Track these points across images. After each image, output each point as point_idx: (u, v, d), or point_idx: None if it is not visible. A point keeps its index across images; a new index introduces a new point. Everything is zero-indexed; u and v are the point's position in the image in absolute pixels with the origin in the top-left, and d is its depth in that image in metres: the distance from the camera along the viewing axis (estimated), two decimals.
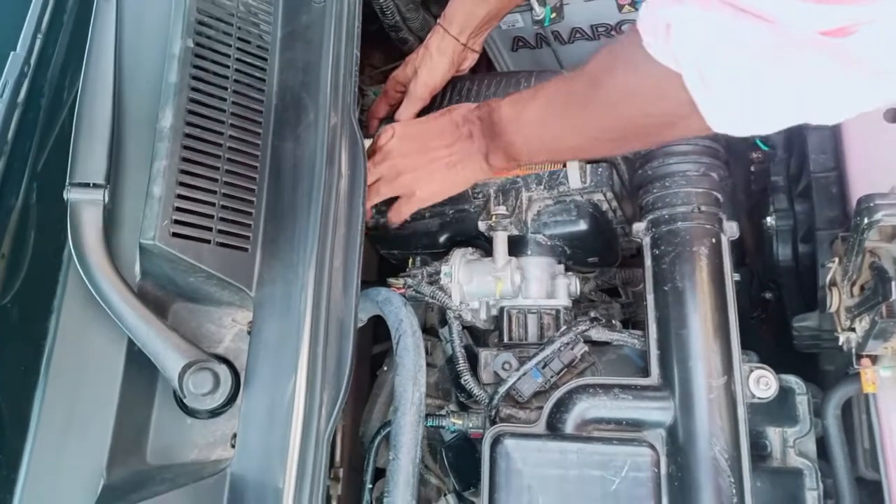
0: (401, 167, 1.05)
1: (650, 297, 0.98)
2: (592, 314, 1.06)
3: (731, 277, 0.97)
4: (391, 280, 1.14)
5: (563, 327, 1.05)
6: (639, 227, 1.03)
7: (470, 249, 1.14)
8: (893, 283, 0.85)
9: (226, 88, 0.89)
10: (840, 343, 0.97)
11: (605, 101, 0.83)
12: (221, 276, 0.83)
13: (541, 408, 0.96)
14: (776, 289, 1.37)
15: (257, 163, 0.89)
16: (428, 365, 1.13)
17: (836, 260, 0.97)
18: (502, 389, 0.99)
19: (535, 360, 1.00)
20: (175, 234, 0.80)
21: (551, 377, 1.00)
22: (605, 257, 1.21)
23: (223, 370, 0.81)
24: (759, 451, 0.99)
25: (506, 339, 1.09)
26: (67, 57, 0.99)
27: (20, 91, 0.91)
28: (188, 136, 0.84)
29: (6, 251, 0.87)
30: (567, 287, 1.11)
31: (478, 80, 1.24)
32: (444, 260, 1.12)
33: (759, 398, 0.93)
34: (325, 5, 0.98)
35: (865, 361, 0.94)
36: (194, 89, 0.86)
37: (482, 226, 1.12)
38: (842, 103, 0.64)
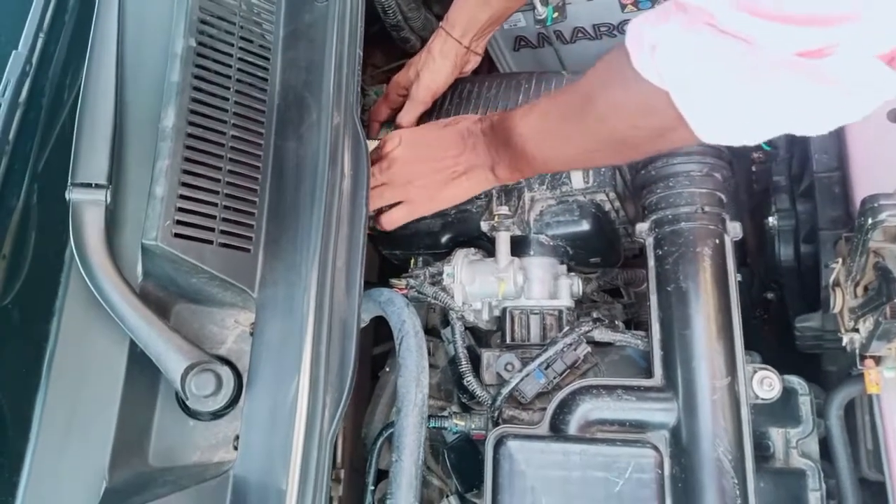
0: (407, 175, 1.06)
1: (653, 298, 0.98)
2: (595, 315, 1.05)
3: (734, 278, 0.97)
4: (393, 280, 1.13)
5: (566, 328, 1.04)
6: (642, 227, 1.03)
7: (472, 250, 1.14)
8: None
9: (228, 88, 0.89)
10: (844, 344, 0.96)
11: (598, 116, 0.86)
12: (224, 277, 0.82)
13: (544, 409, 0.96)
14: (778, 289, 1.37)
15: (260, 163, 0.89)
16: (430, 366, 1.12)
17: (840, 260, 0.97)
18: (505, 390, 0.99)
19: (537, 361, 0.99)
20: (177, 235, 0.79)
21: (554, 378, 1.00)
22: (607, 258, 1.21)
23: (226, 372, 0.80)
24: (762, 452, 0.99)
25: (508, 340, 1.09)
26: (69, 56, 0.98)
27: (22, 90, 0.90)
28: (190, 135, 0.83)
29: (7, 252, 0.86)
30: (570, 287, 1.10)
31: (479, 81, 1.24)
32: (446, 260, 1.12)
33: (762, 399, 0.93)
34: (328, 4, 0.97)
35: (869, 362, 0.94)
36: (196, 89, 0.86)
37: (485, 226, 1.11)
38: (822, 118, 0.66)
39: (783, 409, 1.00)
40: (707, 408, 0.90)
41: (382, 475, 1.11)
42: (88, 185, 0.81)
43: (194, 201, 0.82)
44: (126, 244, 0.82)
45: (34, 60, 0.92)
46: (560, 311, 1.09)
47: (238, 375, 0.83)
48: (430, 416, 1.06)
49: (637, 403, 0.93)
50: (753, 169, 1.49)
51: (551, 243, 1.12)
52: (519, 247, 1.11)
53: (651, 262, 1.00)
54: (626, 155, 0.98)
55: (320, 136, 0.90)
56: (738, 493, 0.87)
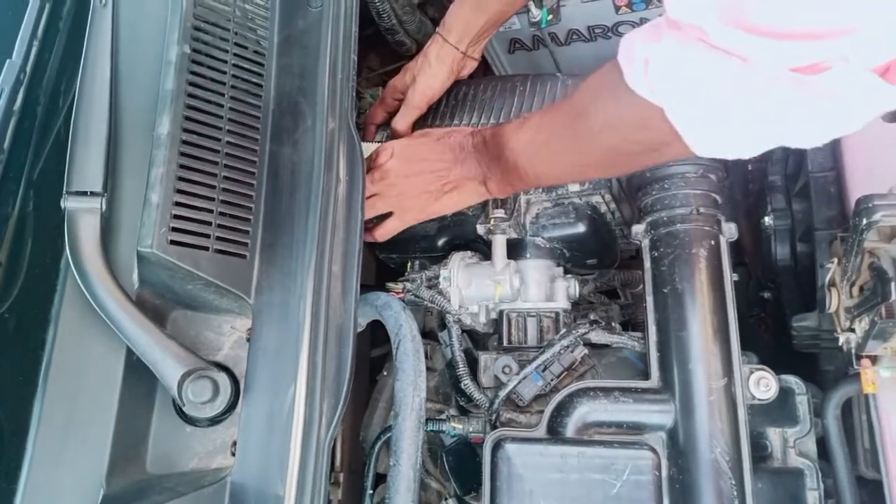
0: (399, 188, 1.06)
1: (649, 300, 0.98)
2: (592, 317, 1.06)
3: (730, 279, 0.97)
4: (390, 284, 1.14)
5: (563, 330, 1.05)
6: (637, 229, 1.03)
7: (469, 253, 1.14)
8: (893, 283, 0.85)
9: (223, 94, 0.89)
10: (840, 343, 0.97)
11: (591, 130, 0.86)
12: (220, 284, 0.82)
13: (541, 411, 0.96)
14: (774, 288, 1.37)
15: (255, 169, 0.89)
16: (428, 369, 1.13)
17: (835, 260, 0.97)
18: (502, 393, 0.99)
19: (534, 364, 1.00)
20: (173, 242, 0.80)
21: (551, 380, 1.00)
22: (603, 259, 1.21)
23: (222, 378, 0.80)
24: (760, 452, 0.99)
25: (505, 343, 1.09)
26: (63, 64, 0.98)
27: (16, 99, 0.90)
28: (185, 142, 0.84)
29: (3, 260, 0.87)
30: (566, 289, 1.11)
31: (474, 84, 1.24)
32: (442, 264, 1.12)
33: (759, 399, 0.94)
34: (322, 10, 0.97)
35: (865, 362, 0.94)
36: (191, 95, 0.86)
37: (481, 229, 1.12)
38: (817, 131, 0.66)
39: (781, 409, 1.00)
40: (704, 409, 0.90)
41: (381, 479, 1.11)
42: (84, 194, 0.81)
43: (190, 208, 0.82)
44: (122, 252, 0.82)
45: (28, 69, 0.92)
46: (557, 314, 1.09)
47: (235, 381, 0.83)
48: (428, 420, 1.06)
49: (634, 405, 0.93)
50: (749, 168, 1.49)
51: (547, 246, 1.12)
52: (515, 249, 1.11)
53: (647, 264, 1.00)
54: (620, 169, 0.99)
55: (315, 142, 0.90)
56: (735, 493, 0.87)
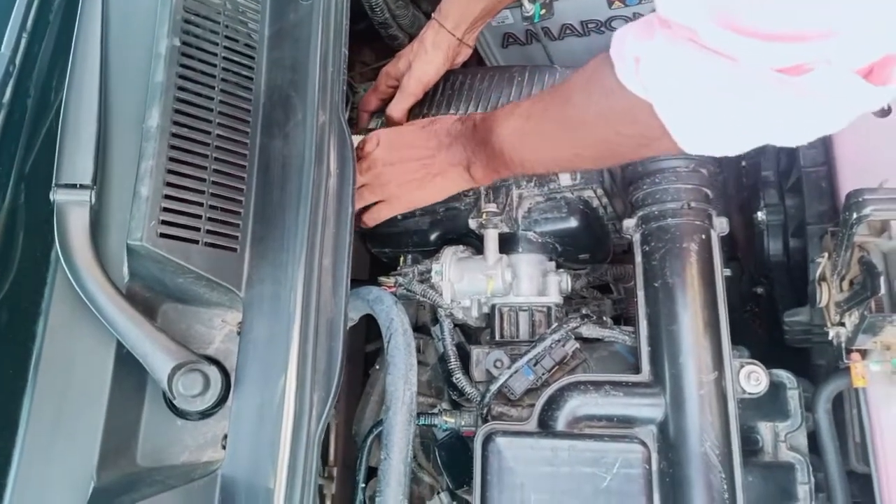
0: (385, 176, 1.07)
1: (640, 294, 0.98)
2: (583, 311, 1.06)
3: (721, 273, 0.97)
4: (382, 279, 1.14)
5: (555, 324, 1.05)
6: (629, 223, 1.03)
7: (461, 247, 1.14)
8: (882, 277, 0.85)
9: (213, 87, 0.89)
10: (830, 338, 0.97)
11: (580, 121, 0.87)
12: (210, 277, 0.82)
13: (532, 405, 0.96)
14: (767, 283, 1.37)
15: (245, 162, 0.89)
16: (420, 363, 1.13)
17: (826, 255, 0.98)
18: (494, 387, 0.99)
19: (526, 358, 1.00)
20: (163, 235, 0.79)
21: (543, 374, 1.00)
22: (596, 254, 1.21)
23: (213, 371, 0.80)
24: (751, 446, 0.99)
25: (497, 337, 1.09)
26: (54, 57, 0.98)
27: (5, 91, 0.90)
28: (175, 135, 0.83)
29: None
30: (558, 284, 1.11)
31: (471, 73, 1.24)
32: (434, 258, 1.12)
33: (749, 393, 0.94)
34: (313, 3, 0.97)
35: (855, 356, 0.94)
36: (181, 88, 0.86)
37: (473, 223, 1.12)
38: (802, 130, 0.68)
39: (772, 404, 1.01)
40: (694, 403, 0.90)
41: (373, 472, 1.11)
42: (73, 186, 0.81)
43: (180, 201, 0.82)
44: (112, 245, 0.82)
45: (17, 61, 0.91)
46: (549, 308, 1.09)
47: (226, 375, 0.83)
48: (420, 414, 1.06)
49: (625, 399, 0.93)
50: (743, 164, 1.49)
51: (540, 240, 1.12)
52: (507, 244, 1.11)
53: (638, 259, 1.01)
54: (607, 161, 0.99)
55: (306, 135, 0.90)
56: (725, 487, 0.87)
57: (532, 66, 1.22)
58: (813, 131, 0.68)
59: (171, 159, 0.82)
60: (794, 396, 1.00)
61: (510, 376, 0.99)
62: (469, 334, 1.19)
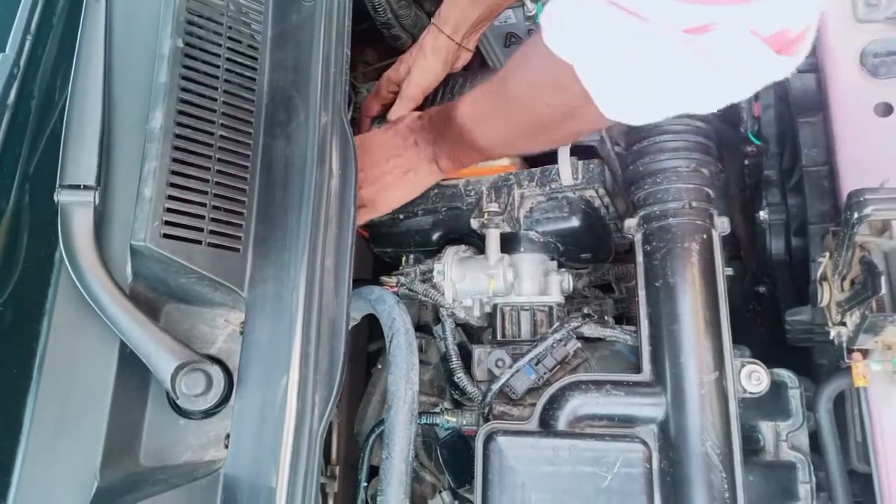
0: (359, 181, 1.07)
1: (642, 294, 0.98)
2: (585, 310, 1.06)
3: (722, 273, 0.97)
4: (384, 278, 1.14)
5: (556, 324, 1.05)
6: (630, 223, 1.03)
7: (463, 247, 1.14)
8: (883, 277, 0.85)
9: (216, 88, 0.89)
10: (831, 337, 0.97)
11: (516, 96, 0.89)
12: (213, 277, 0.83)
13: (534, 405, 0.97)
14: (770, 283, 1.37)
15: (248, 163, 0.89)
16: (422, 362, 1.13)
17: (827, 255, 0.97)
18: (495, 387, 1.00)
19: (527, 357, 1.00)
20: (166, 236, 0.80)
21: (544, 374, 1.00)
22: (598, 253, 1.21)
23: (216, 371, 0.81)
24: (753, 445, 0.99)
25: (499, 337, 1.10)
26: (58, 58, 0.98)
27: (10, 93, 0.90)
28: (178, 136, 0.84)
29: None
30: (560, 283, 1.11)
31: (471, 76, 1.24)
32: (436, 258, 1.12)
33: (750, 393, 0.94)
34: (315, 4, 0.98)
35: (856, 355, 0.94)
36: (184, 89, 0.86)
37: (474, 223, 1.12)
38: (709, 94, 0.69)
39: (773, 403, 1.01)
40: (695, 402, 0.90)
41: (375, 471, 1.11)
42: (77, 187, 0.82)
43: (183, 202, 0.82)
44: (115, 245, 0.83)
45: (22, 63, 0.92)
46: (550, 307, 1.09)
47: (228, 374, 0.83)
48: (422, 413, 1.06)
49: (626, 398, 0.93)
50: (746, 163, 1.49)
51: (541, 240, 1.12)
52: (509, 243, 1.12)
53: (639, 258, 1.01)
54: (546, 136, 0.98)
55: (308, 136, 0.91)
56: (725, 486, 0.87)
57: None
58: (719, 95, 0.69)
59: (175, 160, 0.83)
60: (795, 396, 1.00)
61: (512, 375, 1.00)
62: (471, 334, 1.19)
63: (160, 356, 0.79)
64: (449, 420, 1.05)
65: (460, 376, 1.05)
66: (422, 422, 1.06)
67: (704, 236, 0.98)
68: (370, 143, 1.10)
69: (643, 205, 1.03)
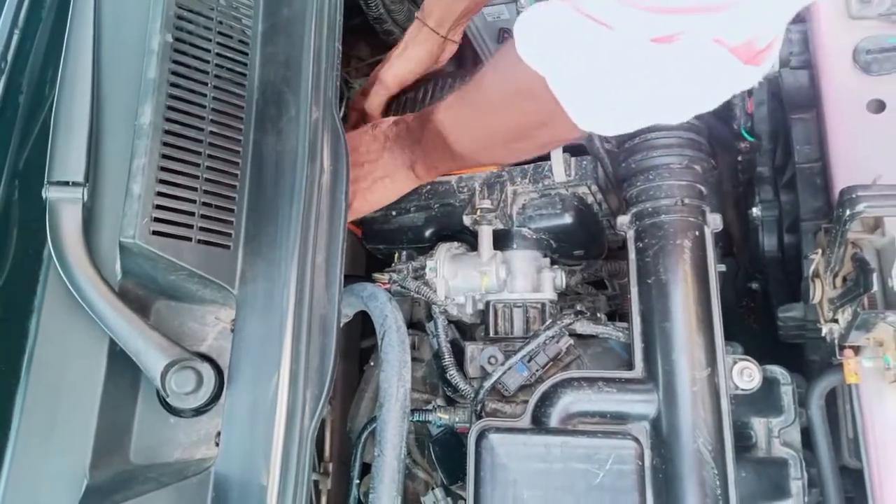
0: None
1: (634, 291, 0.98)
2: (578, 307, 1.06)
3: (714, 270, 0.97)
4: (376, 275, 1.14)
5: (549, 321, 1.05)
6: (623, 220, 1.03)
7: (455, 244, 1.14)
8: (874, 274, 0.85)
9: (206, 84, 0.88)
10: (823, 334, 0.97)
11: (489, 103, 0.89)
12: (203, 274, 0.82)
13: (526, 401, 0.96)
14: (762, 279, 1.38)
15: (238, 159, 0.88)
16: (415, 359, 1.13)
17: (819, 251, 0.97)
18: (488, 384, 0.99)
19: (520, 354, 1.00)
20: (155, 233, 0.79)
21: (537, 371, 1.00)
22: (590, 250, 1.21)
23: (206, 368, 0.80)
24: (745, 442, 0.99)
25: (492, 334, 1.09)
26: (47, 52, 0.97)
27: None
28: (168, 132, 0.83)
29: None
30: (553, 280, 1.11)
31: (459, 76, 1.24)
32: (429, 255, 1.12)
33: (742, 390, 0.94)
34: None
35: (848, 352, 0.94)
36: (174, 85, 0.85)
37: (467, 220, 1.12)
38: (677, 104, 0.69)
39: (765, 399, 1.01)
40: (687, 399, 0.90)
41: (367, 469, 1.11)
42: (65, 184, 0.81)
43: (172, 198, 0.81)
44: (104, 242, 0.82)
45: (9, 58, 0.91)
46: (543, 304, 1.09)
47: (219, 372, 0.83)
48: (414, 410, 1.06)
49: (618, 395, 0.93)
50: (739, 160, 1.49)
51: (534, 236, 1.12)
52: (502, 240, 1.11)
53: (632, 255, 1.00)
54: (520, 145, 0.97)
55: (299, 132, 0.90)
56: (717, 482, 0.87)
57: None
58: (687, 105, 0.68)
59: (164, 156, 0.82)
60: (787, 392, 1.00)
61: (504, 373, 0.99)
62: (463, 331, 1.19)
63: (150, 354, 0.78)
64: (441, 417, 1.05)
65: (453, 373, 1.05)
66: (414, 419, 1.06)
67: (697, 233, 0.98)
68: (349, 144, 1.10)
69: (635, 202, 1.02)
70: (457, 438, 1.08)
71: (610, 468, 0.88)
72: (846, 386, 0.99)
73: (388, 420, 0.90)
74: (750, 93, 1.23)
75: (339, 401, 1.33)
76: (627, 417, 0.93)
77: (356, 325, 1.39)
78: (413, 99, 1.24)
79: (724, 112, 1.20)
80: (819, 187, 1.12)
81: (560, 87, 0.71)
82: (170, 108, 0.84)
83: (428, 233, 1.17)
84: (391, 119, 1.10)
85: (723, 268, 1.01)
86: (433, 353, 1.15)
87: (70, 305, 0.79)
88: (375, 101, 1.20)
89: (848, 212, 0.85)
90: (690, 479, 0.87)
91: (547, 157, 1.10)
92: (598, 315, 1.08)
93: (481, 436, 0.92)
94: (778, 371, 1.01)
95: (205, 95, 0.87)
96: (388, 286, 1.11)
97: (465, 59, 1.53)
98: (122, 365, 0.79)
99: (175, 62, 0.86)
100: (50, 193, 0.80)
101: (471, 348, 1.08)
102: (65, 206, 0.80)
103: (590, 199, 1.13)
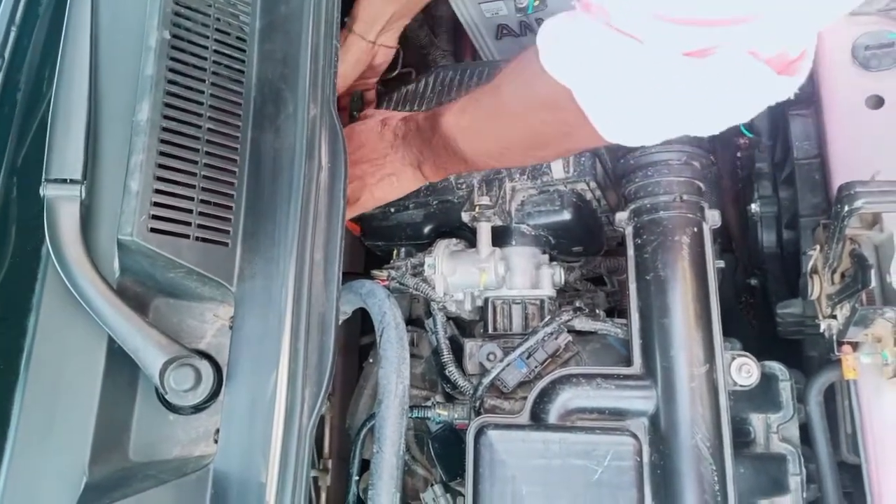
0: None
1: (632, 287, 0.98)
2: (576, 304, 1.06)
3: (712, 266, 0.97)
4: (375, 272, 1.14)
5: (548, 317, 1.05)
6: (621, 216, 1.03)
7: (454, 240, 1.14)
8: (873, 270, 0.85)
9: (204, 81, 0.88)
10: (822, 330, 0.97)
11: (509, 111, 0.88)
12: (201, 272, 0.82)
13: (525, 398, 0.97)
14: (761, 275, 1.38)
15: (236, 156, 0.88)
16: (413, 356, 1.13)
17: (818, 247, 0.98)
18: (486, 380, 1.00)
19: (519, 351, 1.00)
20: (153, 230, 0.79)
21: (535, 367, 1.00)
22: (590, 246, 1.21)
23: (205, 366, 0.80)
24: (743, 438, 1.00)
25: (490, 330, 1.10)
26: (45, 49, 0.97)
27: None
28: (165, 129, 0.83)
29: None
30: (551, 277, 1.11)
31: (461, 69, 1.24)
32: (427, 251, 1.12)
33: (740, 386, 0.94)
34: None
35: (846, 348, 0.94)
36: (171, 82, 0.85)
37: (466, 216, 1.12)
38: (710, 117, 0.68)
39: (764, 395, 1.01)
40: (685, 395, 0.90)
41: (367, 465, 1.11)
42: (63, 181, 0.81)
43: (170, 195, 0.81)
44: (102, 240, 0.82)
45: (6, 55, 0.91)
46: (542, 301, 1.09)
47: (218, 369, 0.83)
48: (413, 406, 1.06)
49: (616, 391, 0.93)
50: (738, 155, 1.49)
51: (533, 233, 1.12)
52: (501, 237, 1.11)
53: (630, 251, 1.01)
54: (540, 152, 0.97)
55: (297, 129, 0.90)
56: (716, 478, 0.88)
57: None
58: (721, 118, 0.68)
59: (162, 153, 0.82)
60: (786, 388, 1.01)
61: (503, 369, 1.00)
62: (462, 327, 1.19)
63: (148, 351, 0.78)
64: (440, 414, 1.05)
65: (451, 370, 1.05)
66: (413, 415, 1.06)
67: (695, 229, 0.98)
68: (353, 141, 1.09)
69: (634, 198, 1.03)
70: (456, 435, 1.08)
71: (608, 464, 0.88)
72: (844, 382, 0.99)
73: (387, 417, 0.90)
74: None
75: (338, 397, 1.33)
76: (626, 414, 0.93)
77: (355, 322, 1.39)
78: (414, 91, 1.23)
79: None
80: (818, 183, 1.12)
81: (587, 100, 0.70)
82: (167, 104, 0.84)
83: (426, 229, 1.17)
84: (400, 116, 1.09)
85: (721, 264, 1.01)
86: (432, 350, 1.15)
87: (68, 303, 0.79)
88: None
89: (846, 208, 0.85)
90: (689, 474, 0.87)
91: None
92: (597, 311, 1.08)
93: (480, 432, 0.92)
94: (776, 367, 1.01)
95: (202, 92, 0.87)
96: (386, 283, 1.11)
97: (460, 53, 1.53)
98: (120, 362, 0.79)
99: (173, 59, 0.86)
100: (48, 191, 0.80)
101: (469, 345, 1.08)
102: (62, 204, 0.80)
103: (588, 196, 1.13)
